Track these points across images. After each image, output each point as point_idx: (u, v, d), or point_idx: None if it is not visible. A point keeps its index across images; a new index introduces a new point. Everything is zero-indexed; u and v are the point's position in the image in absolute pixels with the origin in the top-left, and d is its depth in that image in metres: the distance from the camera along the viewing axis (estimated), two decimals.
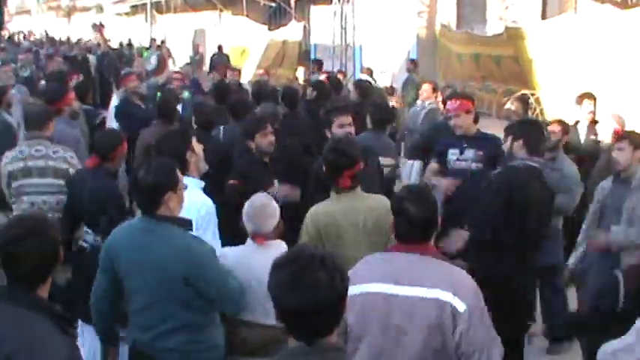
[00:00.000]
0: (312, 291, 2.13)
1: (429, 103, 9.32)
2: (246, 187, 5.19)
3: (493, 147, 5.61)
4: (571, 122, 6.95)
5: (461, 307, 3.00)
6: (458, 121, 5.88)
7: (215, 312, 3.78)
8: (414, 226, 3.18)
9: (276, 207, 4.04)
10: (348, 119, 5.44)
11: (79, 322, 4.90)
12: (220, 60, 20.13)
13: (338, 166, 4.22)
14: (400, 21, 16.33)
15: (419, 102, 9.63)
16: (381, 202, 4.26)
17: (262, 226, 3.96)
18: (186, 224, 3.69)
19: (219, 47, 21.07)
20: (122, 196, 5.15)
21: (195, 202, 4.10)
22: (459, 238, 4.95)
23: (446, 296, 3.02)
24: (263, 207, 4.00)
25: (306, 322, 2.17)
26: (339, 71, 13.86)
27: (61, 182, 5.49)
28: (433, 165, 6.14)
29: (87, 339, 4.97)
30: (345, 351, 2.37)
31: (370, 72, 13.23)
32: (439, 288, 3.04)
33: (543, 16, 14.27)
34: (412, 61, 14.32)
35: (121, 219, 4.69)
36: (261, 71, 12.76)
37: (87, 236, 5.01)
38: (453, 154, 5.89)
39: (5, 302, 2.71)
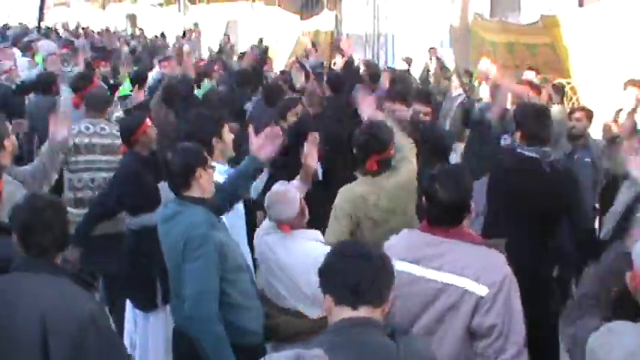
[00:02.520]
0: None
1: (460, 94, 9.26)
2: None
3: None
4: (614, 109, 6.81)
5: (483, 291, 2.94)
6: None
7: (247, 295, 3.79)
8: (443, 210, 3.11)
9: (295, 194, 4.06)
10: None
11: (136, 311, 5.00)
12: (257, 51, 20.16)
13: (367, 149, 4.25)
14: (433, 9, 16.16)
15: (453, 92, 9.53)
16: (410, 174, 4.33)
17: (282, 213, 3.99)
18: (213, 206, 3.78)
19: (260, 40, 21.09)
20: (137, 178, 5.23)
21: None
22: None
23: (467, 284, 2.97)
24: (281, 194, 4.05)
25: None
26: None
27: None
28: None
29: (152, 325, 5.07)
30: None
31: (409, 61, 13.13)
32: (461, 275, 3.00)
33: (580, 4, 13.97)
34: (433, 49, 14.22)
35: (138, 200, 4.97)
36: (292, 59, 12.68)
37: (134, 219, 5.20)
38: (505, 139, 5.86)
39: (28, 271, 2.94)
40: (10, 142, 4.39)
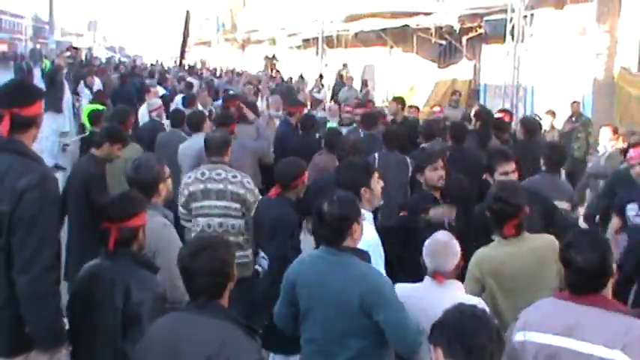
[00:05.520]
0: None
1: (612, 147, 9.02)
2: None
3: None
4: None
5: None
6: (639, 170, 5.63)
7: (392, 347, 3.78)
8: (583, 276, 3.04)
9: (457, 245, 3.97)
10: (512, 166, 5.24)
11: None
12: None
13: (502, 215, 4.19)
14: (576, 62, 15.84)
15: (601, 147, 9.27)
16: (546, 241, 4.21)
17: (443, 264, 3.91)
18: (365, 256, 3.76)
19: (341, 76, 21.82)
20: (296, 226, 5.27)
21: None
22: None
23: (612, 354, 2.88)
24: (445, 245, 3.95)
25: None
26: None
27: (237, 206, 5.76)
28: (615, 220, 5.85)
29: None
30: None
31: (553, 115, 12.90)
32: (606, 346, 2.90)
33: None
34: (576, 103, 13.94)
35: (288, 246, 4.92)
36: (437, 108, 12.66)
37: (262, 261, 5.22)
38: (631, 209, 5.62)
39: (192, 312, 2.96)
40: (165, 186, 4.52)
